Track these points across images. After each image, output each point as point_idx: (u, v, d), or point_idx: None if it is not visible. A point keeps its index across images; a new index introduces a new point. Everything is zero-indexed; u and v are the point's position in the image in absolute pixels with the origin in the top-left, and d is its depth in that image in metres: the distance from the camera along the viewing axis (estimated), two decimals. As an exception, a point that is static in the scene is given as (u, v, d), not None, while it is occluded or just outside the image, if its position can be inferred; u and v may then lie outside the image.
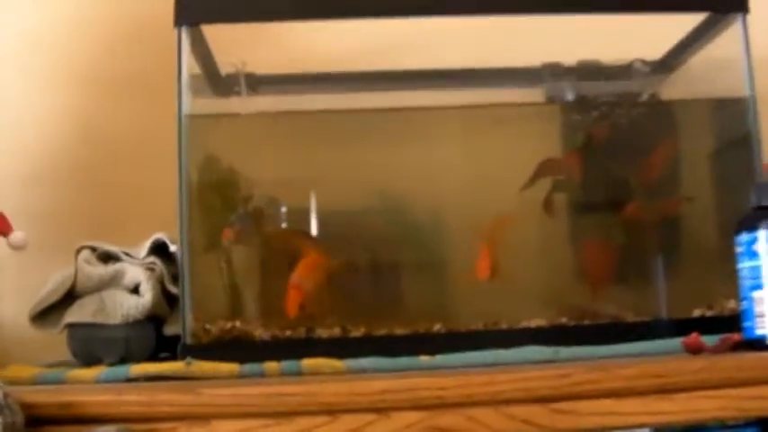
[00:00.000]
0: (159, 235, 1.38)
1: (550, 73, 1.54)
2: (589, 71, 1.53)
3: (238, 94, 1.47)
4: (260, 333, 1.29)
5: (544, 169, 1.37)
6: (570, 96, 1.47)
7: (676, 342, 1.19)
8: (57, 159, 1.76)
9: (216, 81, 1.51)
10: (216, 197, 1.35)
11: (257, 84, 1.53)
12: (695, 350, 1.16)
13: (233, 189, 1.36)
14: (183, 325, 1.27)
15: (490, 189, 1.38)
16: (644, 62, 1.53)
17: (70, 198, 1.76)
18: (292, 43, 1.58)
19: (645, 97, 1.50)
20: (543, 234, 1.40)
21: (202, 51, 1.42)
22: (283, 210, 1.39)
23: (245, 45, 1.45)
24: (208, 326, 1.29)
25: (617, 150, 1.41)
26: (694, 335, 1.16)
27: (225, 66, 1.49)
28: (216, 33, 1.40)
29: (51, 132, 1.78)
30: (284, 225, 1.40)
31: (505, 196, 1.37)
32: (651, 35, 1.47)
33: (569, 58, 1.53)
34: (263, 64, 1.50)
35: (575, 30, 1.40)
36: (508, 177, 1.37)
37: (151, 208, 1.40)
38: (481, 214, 1.37)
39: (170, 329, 1.34)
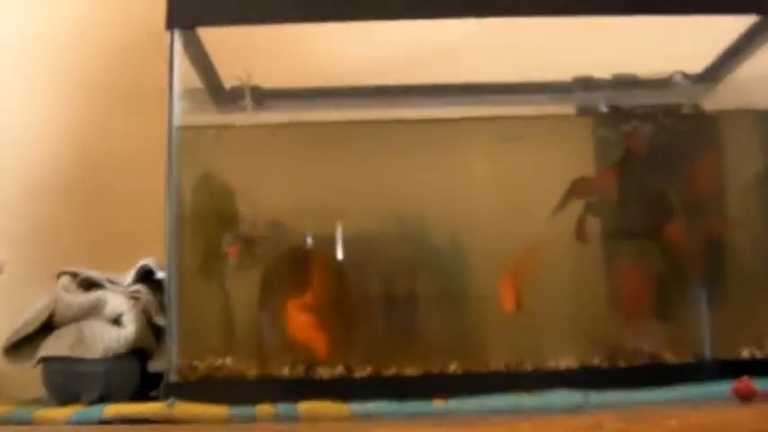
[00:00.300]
0: (146, 260, 1.30)
1: (582, 87, 1.43)
2: (625, 85, 1.42)
3: (243, 108, 1.36)
4: (254, 372, 1.19)
5: (577, 189, 1.26)
6: (604, 108, 1.35)
7: (724, 387, 1.07)
8: (51, 179, 1.72)
9: (219, 95, 1.43)
10: (210, 217, 1.26)
11: (264, 98, 1.44)
12: (746, 397, 1.04)
13: (229, 208, 1.27)
14: (168, 360, 1.18)
15: (516, 211, 1.28)
16: (685, 75, 1.42)
17: (65, 219, 1.71)
18: (302, 55, 1.56)
19: (688, 108, 1.37)
20: (575, 262, 1.28)
21: (201, 60, 1.34)
22: (286, 234, 1.29)
23: (252, 57, 1.36)
24: (195, 362, 1.19)
25: (659, 167, 1.30)
26: (745, 379, 1.05)
27: (230, 79, 1.40)
28: (219, 45, 1.33)
29: (48, 151, 1.74)
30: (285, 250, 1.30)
31: (533, 219, 1.26)
32: (693, 47, 1.37)
33: (603, 73, 1.44)
34: (271, 77, 1.42)
35: (608, 43, 1.37)
36: (536, 197, 1.27)
37: (152, 231, 1.26)
38: (506, 240, 1.26)
39: (156, 365, 1.25)
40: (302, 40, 1.53)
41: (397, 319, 1.27)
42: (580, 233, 1.26)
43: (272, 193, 1.27)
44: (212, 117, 1.41)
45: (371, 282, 1.27)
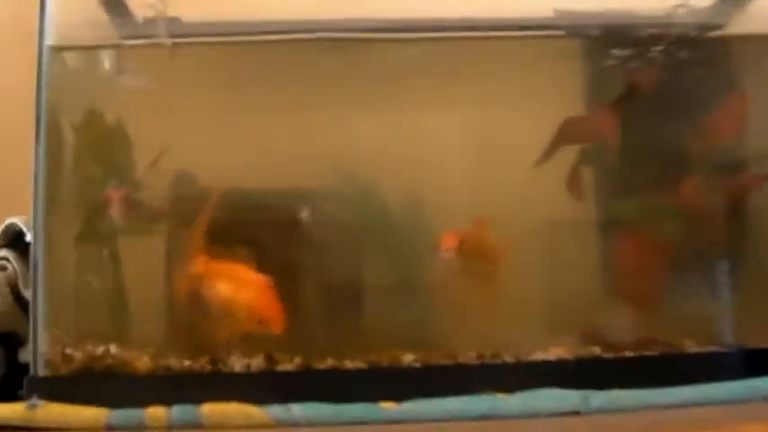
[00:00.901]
0: (13, 219, 1.14)
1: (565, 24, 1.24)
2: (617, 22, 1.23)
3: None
4: (145, 363, 1.02)
5: (568, 134, 1.11)
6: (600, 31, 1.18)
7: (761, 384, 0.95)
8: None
9: (127, 28, 1.21)
10: (92, 163, 1.09)
11: (183, 32, 1.22)
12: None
13: (118, 152, 1.09)
14: (33, 348, 1.02)
15: (490, 162, 1.12)
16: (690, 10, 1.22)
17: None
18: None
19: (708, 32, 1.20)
20: (567, 226, 1.13)
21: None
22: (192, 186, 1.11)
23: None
24: (69, 350, 1.03)
25: (670, 107, 1.13)
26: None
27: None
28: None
29: None
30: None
31: (512, 171, 1.10)
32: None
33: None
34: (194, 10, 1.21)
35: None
36: (516, 143, 1.11)
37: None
38: (479, 201, 1.12)
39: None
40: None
41: (337, 296, 1.11)
42: (573, 186, 1.12)
43: (175, 135, 1.10)
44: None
45: (306, 249, 1.11)
